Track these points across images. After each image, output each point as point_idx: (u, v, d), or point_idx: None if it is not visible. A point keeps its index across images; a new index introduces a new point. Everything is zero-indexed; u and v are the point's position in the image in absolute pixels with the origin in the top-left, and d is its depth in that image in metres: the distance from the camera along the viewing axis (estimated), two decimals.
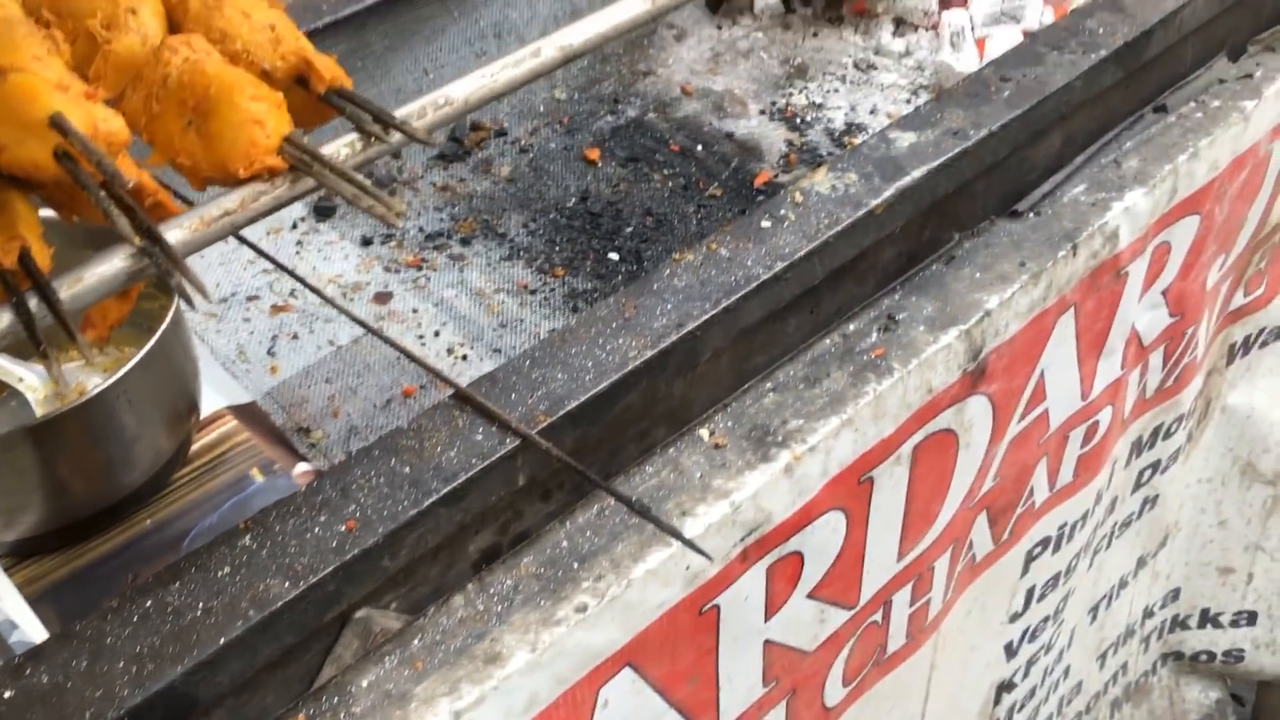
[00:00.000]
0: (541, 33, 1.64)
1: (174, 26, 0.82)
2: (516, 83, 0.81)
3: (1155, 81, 1.44)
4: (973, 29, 1.61)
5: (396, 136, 0.75)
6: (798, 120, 1.58)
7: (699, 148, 1.55)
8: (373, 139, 0.75)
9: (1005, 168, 1.31)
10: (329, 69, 0.78)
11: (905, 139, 1.24)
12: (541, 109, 1.58)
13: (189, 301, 0.62)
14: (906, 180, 1.19)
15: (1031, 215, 1.30)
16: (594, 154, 1.53)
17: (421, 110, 0.77)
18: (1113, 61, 1.33)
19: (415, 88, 1.53)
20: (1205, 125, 1.38)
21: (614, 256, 1.40)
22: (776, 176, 1.51)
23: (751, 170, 1.52)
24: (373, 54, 1.50)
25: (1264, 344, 1.74)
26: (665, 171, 1.51)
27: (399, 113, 0.77)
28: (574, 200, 1.47)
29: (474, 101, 0.79)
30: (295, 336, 1.28)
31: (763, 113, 1.60)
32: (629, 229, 1.44)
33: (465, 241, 1.42)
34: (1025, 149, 1.31)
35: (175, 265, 0.63)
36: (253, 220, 0.71)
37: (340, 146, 0.74)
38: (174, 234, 0.67)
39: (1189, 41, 1.44)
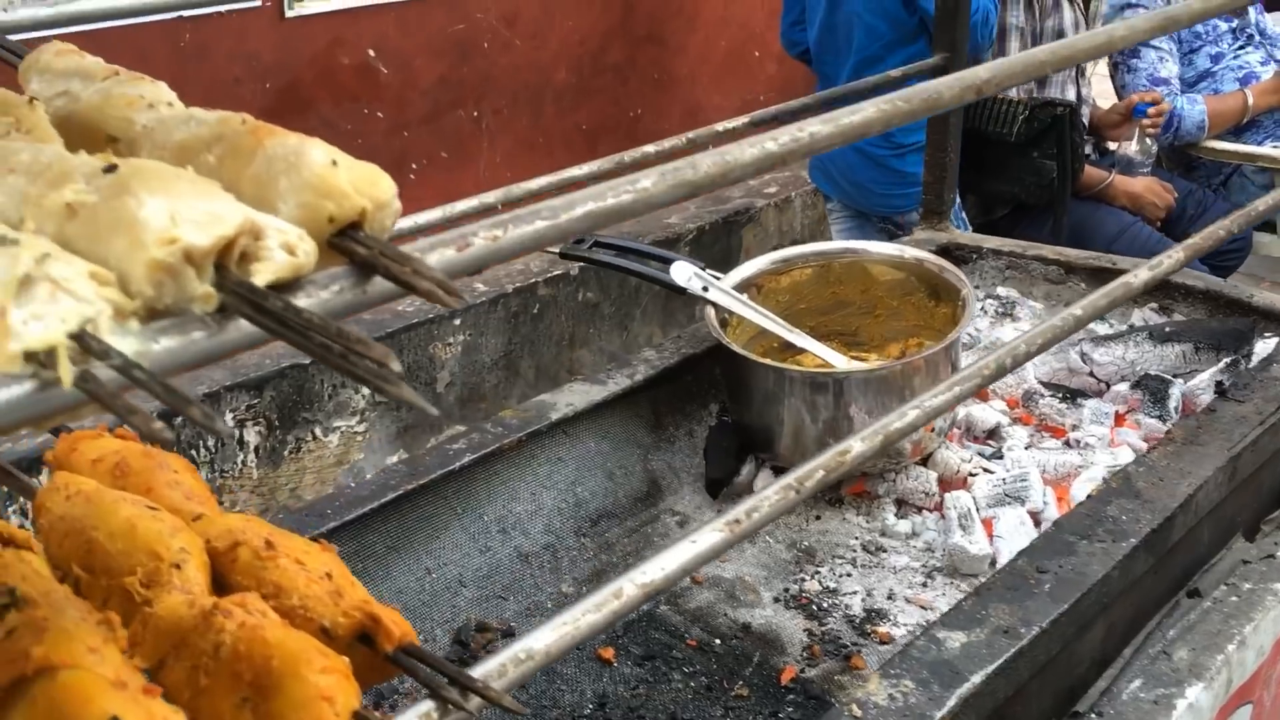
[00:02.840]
0: (545, 528, 1.60)
1: (219, 578, 0.75)
2: (599, 628, 0.74)
3: (1180, 565, 1.42)
4: (977, 510, 1.61)
5: (475, 700, 0.67)
6: (814, 607, 1.52)
7: (717, 641, 1.47)
8: (449, 706, 0.66)
9: (1055, 664, 1.24)
10: (397, 624, 0.70)
11: (955, 639, 1.17)
12: (549, 605, 1.51)
13: None
14: (967, 687, 1.12)
15: (1094, 716, 1.22)
16: (608, 652, 1.44)
17: (501, 668, 0.69)
18: (1144, 548, 1.31)
19: (417, 588, 1.46)
20: (1245, 610, 1.35)
21: None
22: (803, 671, 1.42)
23: (775, 665, 1.43)
24: (374, 555, 1.44)
25: None
26: (685, 670, 1.42)
27: (476, 671, 0.69)
28: (590, 708, 1.36)
29: (556, 653, 0.72)
30: None
31: (777, 600, 1.54)
32: None
33: None
34: (1074, 642, 1.26)
35: None
36: None
37: (413, 717, 0.65)
38: None
39: (1205, 524, 1.43)
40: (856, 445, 0.93)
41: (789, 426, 1.65)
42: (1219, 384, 1.68)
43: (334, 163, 0.55)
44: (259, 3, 3.28)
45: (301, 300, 0.53)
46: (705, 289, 1.73)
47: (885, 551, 1.62)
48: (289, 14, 3.38)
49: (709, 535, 0.81)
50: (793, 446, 1.67)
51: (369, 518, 1.43)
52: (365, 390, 3.66)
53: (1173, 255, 1.22)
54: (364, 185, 0.56)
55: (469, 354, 3.91)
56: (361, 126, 3.58)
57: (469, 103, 3.85)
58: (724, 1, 4.47)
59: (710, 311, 1.72)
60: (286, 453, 3.50)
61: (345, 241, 0.55)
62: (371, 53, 3.59)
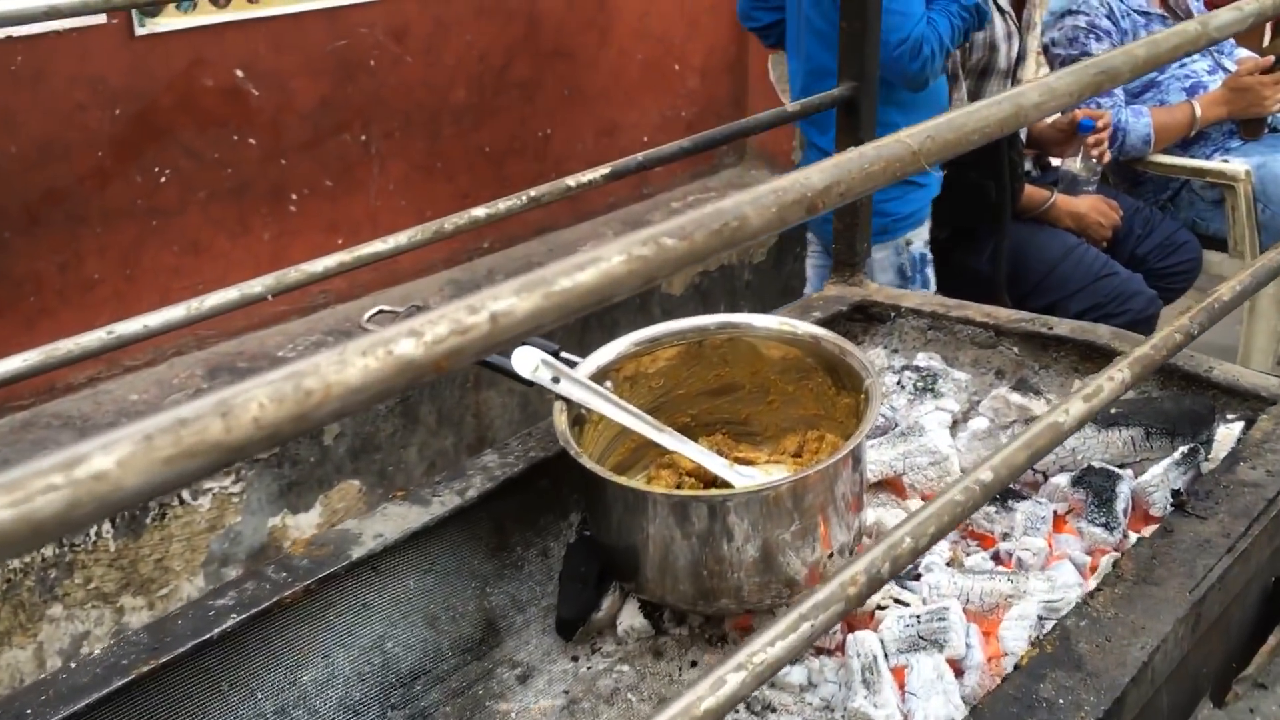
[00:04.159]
0: (340, 701, 1.27)
1: None
2: None
3: None
4: (886, 657, 1.30)
5: None
6: None
7: None
8: None
9: None
10: None
11: None
12: None
13: None
14: None
15: None
16: None
17: None
18: None
19: None
20: None
21: None
22: None
23: None
24: None
25: None
26: None
27: None
28: None
29: None
30: None
31: None
32: None
33: None
34: None
35: None
36: None
37: None
38: None
39: (1163, 692, 1.14)
40: None
41: (654, 555, 1.34)
42: (1175, 493, 1.38)
43: None
44: (103, 20, 2.91)
45: None
46: (556, 379, 1.41)
47: (774, 711, 1.31)
48: (140, 32, 3.01)
49: None
50: (659, 577, 1.36)
51: (93, 711, 1.10)
52: None
53: (1115, 377, 0.92)
54: None
55: None
56: (231, 155, 3.23)
57: (355, 125, 3.50)
58: (640, 13, 4.15)
59: (560, 411, 1.40)
60: (149, 520, 3.14)
61: None
62: (240, 73, 3.23)
